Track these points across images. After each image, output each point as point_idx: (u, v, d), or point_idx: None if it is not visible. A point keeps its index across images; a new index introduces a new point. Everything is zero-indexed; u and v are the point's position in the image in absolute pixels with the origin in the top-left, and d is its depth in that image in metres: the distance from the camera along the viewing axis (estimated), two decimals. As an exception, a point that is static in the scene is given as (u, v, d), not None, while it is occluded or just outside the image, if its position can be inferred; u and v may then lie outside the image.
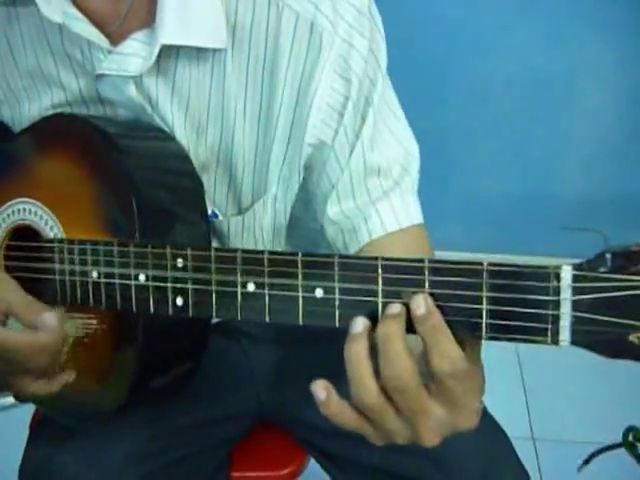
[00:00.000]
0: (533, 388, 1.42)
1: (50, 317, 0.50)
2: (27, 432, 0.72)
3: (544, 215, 1.68)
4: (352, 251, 0.61)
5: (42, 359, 0.51)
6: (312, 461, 0.78)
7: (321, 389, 0.40)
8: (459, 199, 1.71)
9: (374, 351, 0.39)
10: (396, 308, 0.39)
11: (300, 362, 0.73)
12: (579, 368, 1.28)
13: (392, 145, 0.61)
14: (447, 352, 0.37)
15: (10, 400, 0.67)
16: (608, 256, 0.34)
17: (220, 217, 0.63)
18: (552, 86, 1.56)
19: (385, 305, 0.39)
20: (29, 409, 0.75)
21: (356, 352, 0.39)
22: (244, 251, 0.43)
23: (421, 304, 0.37)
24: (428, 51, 1.54)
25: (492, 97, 1.58)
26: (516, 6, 1.49)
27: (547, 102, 1.58)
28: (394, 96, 0.62)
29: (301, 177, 0.61)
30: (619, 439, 0.92)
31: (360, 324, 0.39)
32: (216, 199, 0.63)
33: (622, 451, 0.78)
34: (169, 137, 0.59)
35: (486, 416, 0.65)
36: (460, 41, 1.52)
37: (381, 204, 0.60)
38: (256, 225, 0.64)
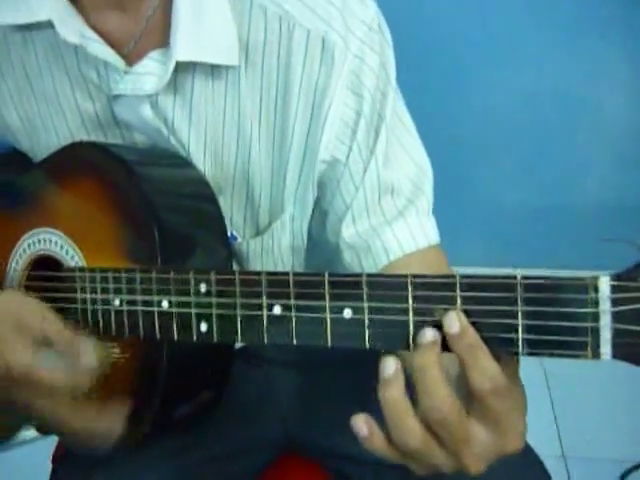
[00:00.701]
0: (561, 404, 1.38)
1: (90, 358, 0.49)
2: (49, 466, 0.71)
3: (564, 227, 1.67)
4: None
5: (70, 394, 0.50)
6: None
7: (363, 423, 0.38)
8: (478, 213, 1.70)
9: (409, 385, 0.37)
10: (429, 335, 0.37)
11: (326, 387, 0.71)
12: (608, 382, 1.25)
13: (405, 162, 0.60)
14: (486, 369, 0.36)
15: (32, 433, 0.66)
16: (648, 265, 0.33)
17: (239, 239, 0.63)
18: (569, 96, 1.55)
19: (417, 324, 0.38)
20: (51, 442, 0.74)
21: (391, 396, 0.37)
22: (269, 273, 0.42)
23: (454, 322, 0.36)
24: (444, 63, 1.53)
25: (509, 109, 1.58)
26: (532, 17, 1.48)
27: (564, 113, 1.57)
28: (406, 111, 0.62)
29: (315, 195, 0.61)
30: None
31: (391, 366, 0.37)
32: (233, 220, 0.63)
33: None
34: (187, 163, 0.59)
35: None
36: (476, 52, 1.52)
37: (397, 224, 0.59)
38: (275, 246, 0.63)
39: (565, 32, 1.49)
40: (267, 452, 0.73)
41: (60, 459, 0.70)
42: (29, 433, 0.65)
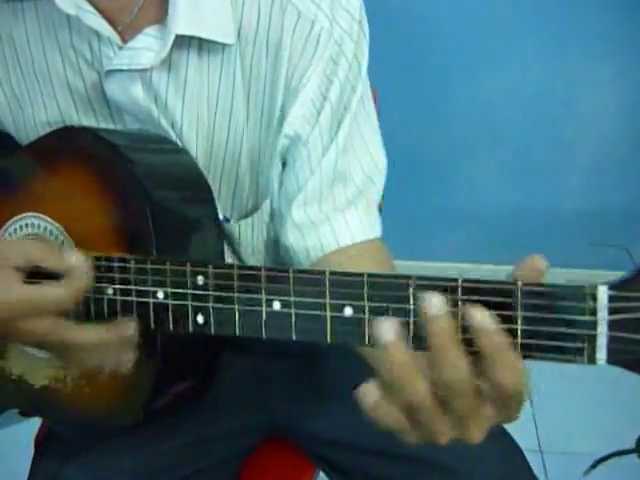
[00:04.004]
0: (539, 399, 1.41)
1: (75, 255, 0.48)
2: (30, 449, 0.71)
3: (547, 225, 1.69)
4: (314, 259, 0.60)
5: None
6: (320, 475, 0.77)
7: (370, 393, 0.38)
8: (462, 210, 1.71)
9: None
10: (438, 303, 0.36)
11: (313, 375, 0.72)
12: (586, 379, 1.29)
13: (362, 154, 0.62)
14: (514, 365, 0.36)
15: (15, 416, 0.65)
16: (645, 275, 0.34)
17: (232, 221, 0.63)
18: (553, 97, 1.57)
19: (417, 324, 0.38)
20: (33, 426, 0.74)
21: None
22: (268, 269, 0.43)
23: (487, 320, 0.36)
24: (430, 63, 1.54)
25: (494, 108, 1.59)
26: (517, 19, 1.50)
27: (549, 113, 1.59)
28: (372, 104, 0.63)
29: (279, 172, 0.61)
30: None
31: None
32: (221, 202, 0.63)
33: (634, 459, 0.77)
34: (179, 148, 0.59)
35: (498, 427, 0.65)
36: (461, 53, 1.53)
37: (349, 212, 0.61)
38: (263, 227, 0.63)
39: (551, 33, 1.51)
40: (251, 438, 0.74)
41: (44, 441, 0.70)
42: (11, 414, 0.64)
